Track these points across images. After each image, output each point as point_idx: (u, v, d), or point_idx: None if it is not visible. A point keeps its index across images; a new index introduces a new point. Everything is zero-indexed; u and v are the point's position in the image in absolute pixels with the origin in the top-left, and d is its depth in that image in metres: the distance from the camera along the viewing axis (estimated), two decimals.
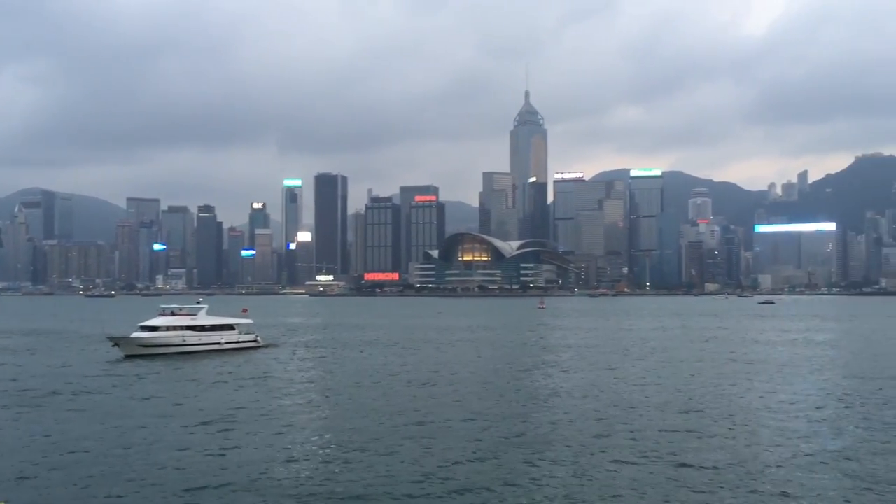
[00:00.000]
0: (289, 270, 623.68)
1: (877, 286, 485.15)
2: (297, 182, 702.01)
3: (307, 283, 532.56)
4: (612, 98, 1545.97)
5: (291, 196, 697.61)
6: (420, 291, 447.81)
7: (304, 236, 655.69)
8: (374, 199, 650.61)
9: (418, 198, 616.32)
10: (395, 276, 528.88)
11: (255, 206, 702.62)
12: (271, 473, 24.21)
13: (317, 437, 29.76)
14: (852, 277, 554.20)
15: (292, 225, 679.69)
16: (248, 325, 71.83)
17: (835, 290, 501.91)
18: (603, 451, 26.47)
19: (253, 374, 49.87)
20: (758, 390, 41.56)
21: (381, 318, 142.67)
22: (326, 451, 27.31)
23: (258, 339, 71.16)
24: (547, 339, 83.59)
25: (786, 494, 21.40)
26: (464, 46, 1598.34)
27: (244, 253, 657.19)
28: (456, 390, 41.94)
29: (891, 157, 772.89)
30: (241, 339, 68.40)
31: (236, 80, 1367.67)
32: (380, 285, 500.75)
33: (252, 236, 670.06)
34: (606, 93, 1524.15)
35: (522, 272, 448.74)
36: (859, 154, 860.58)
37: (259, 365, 56.05)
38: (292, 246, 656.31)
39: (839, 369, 52.15)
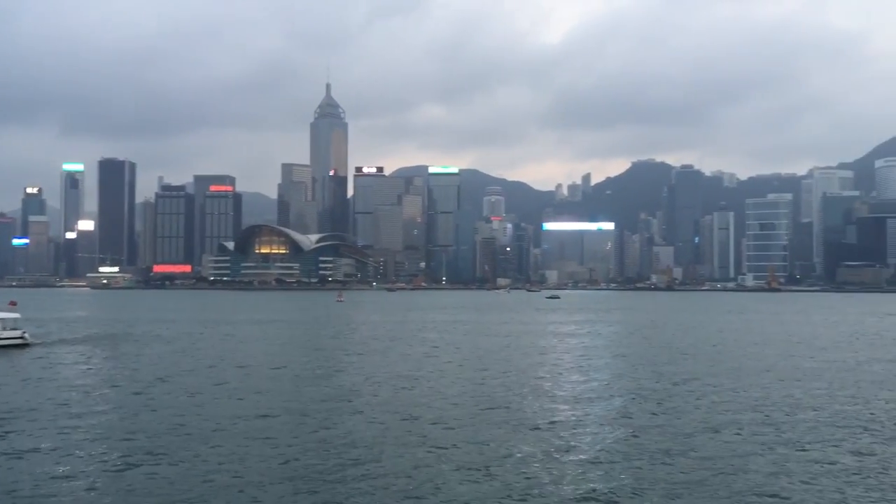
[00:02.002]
0: (68, 261, 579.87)
1: (648, 282, 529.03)
2: (78, 167, 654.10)
3: (89, 274, 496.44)
4: (416, 96, 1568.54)
5: (72, 181, 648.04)
6: (214, 284, 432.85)
7: (87, 225, 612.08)
8: (166, 188, 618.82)
9: (213, 187, 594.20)
10: (188, 268, 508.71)
11: (30, 190, 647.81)
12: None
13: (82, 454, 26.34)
14: (628, 273, 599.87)
15: (72, 212, 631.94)
16: (13, 319, 64.44)
17: (612, 285, 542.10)
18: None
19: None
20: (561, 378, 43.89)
21: (160, 312, 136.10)
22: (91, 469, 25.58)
23: (25, 335, 64.26)
24: (344, 335, 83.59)
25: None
26: (270, 34, 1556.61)
27: (16, 241, 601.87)
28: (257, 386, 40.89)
29: (662, 162, 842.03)
30: (1, 336, 61.15)
31: (15, 54, 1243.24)
32: (170, 278, 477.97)
33: (25, 224, 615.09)
34: (411, 90, 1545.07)
35: (321, 266, 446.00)
36: (635, 159, 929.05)
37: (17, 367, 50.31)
38: (72, 235, 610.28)
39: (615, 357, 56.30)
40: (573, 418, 30.93)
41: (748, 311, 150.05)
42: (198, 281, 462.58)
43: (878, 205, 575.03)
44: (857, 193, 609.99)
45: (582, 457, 24.53)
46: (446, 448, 25.56)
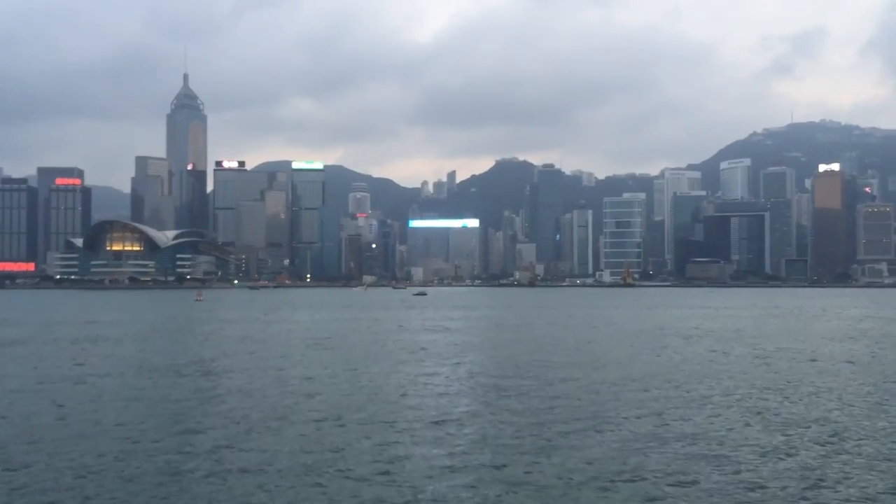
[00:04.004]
0: None
1: (511, 278, 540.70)
2: None
3: None
4: (284, 89, 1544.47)
5: None
6: (61, 283, 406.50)
7: None
8: (6, 180, 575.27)
9: (59, 180, 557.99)
10: (31, 266, 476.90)
11: None
12: None
13: None
14: (492, 270, 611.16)
15: None
16: None
17: (477, 281, 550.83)
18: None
19: None
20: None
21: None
22: None
23: None
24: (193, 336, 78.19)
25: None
26: (130, 20, 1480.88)
27: None
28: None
29: (525, 161, 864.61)
30: None
31: None
32: (10, 276, 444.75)
33: None
34: (280, 84, 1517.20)
35: (179, 263, 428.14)
36: (499, 158, 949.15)
37: None
38: None
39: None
40: (462, 413, 28.55)
41: (605, 307, 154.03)
42: (42, 280, 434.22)
43: (722, 204, 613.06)
44: (703, 193, 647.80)
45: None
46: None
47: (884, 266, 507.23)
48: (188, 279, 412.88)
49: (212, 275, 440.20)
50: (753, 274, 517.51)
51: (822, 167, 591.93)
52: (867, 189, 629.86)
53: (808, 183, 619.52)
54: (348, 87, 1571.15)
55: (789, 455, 22.40)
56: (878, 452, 22.65)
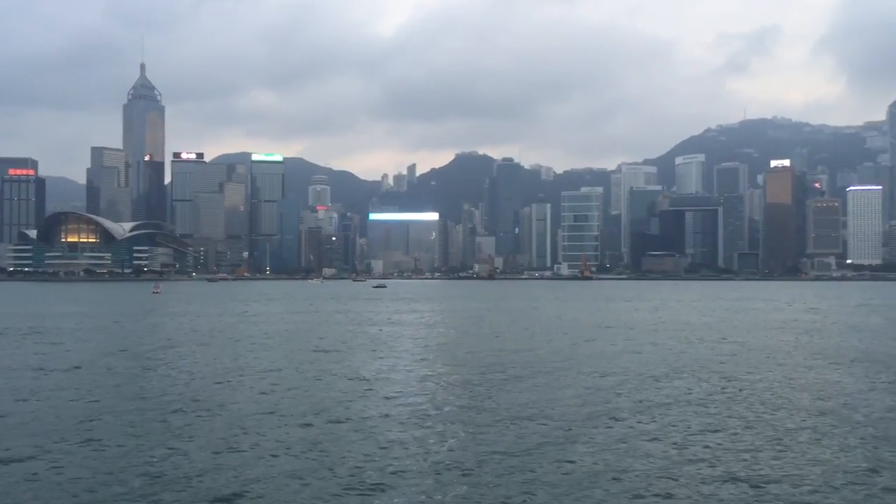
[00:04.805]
0: None
1: (471, 271, 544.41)
2: None
3: None
4: (246, 81, 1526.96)
5: None
6: (13, 276, 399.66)
7: None
8: None
9: (12, 171, 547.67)
10: None
11: None
12: None
13: None
14: (451, 263, 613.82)
15: None
16: None
17: (437, 274, 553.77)
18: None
19: None
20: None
21: None
22: None
23: None
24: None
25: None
26: (88, 9, 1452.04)
27: None
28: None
29: (485, 155, 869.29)
30: None
31: None
32: None
33: None
34: (241, 75, 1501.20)
35: (136, 255, 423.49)
36: (460, 151, 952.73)
37: None
38: None
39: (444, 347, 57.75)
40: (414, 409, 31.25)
41: (564, 299, 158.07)
42: None
43: (677, 199, 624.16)
44: (659, 188, 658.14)
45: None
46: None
47: (832, 260, 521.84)
48: (145, 271, 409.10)
49: (169, 267, 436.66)
50: (707, 267, 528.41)
51: (773, 163, 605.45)
52: (817, 185, 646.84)
53: (760, 178, 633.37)
54: (310, 79, 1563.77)
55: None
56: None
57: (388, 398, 30.87)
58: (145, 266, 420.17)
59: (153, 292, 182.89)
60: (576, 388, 33.20)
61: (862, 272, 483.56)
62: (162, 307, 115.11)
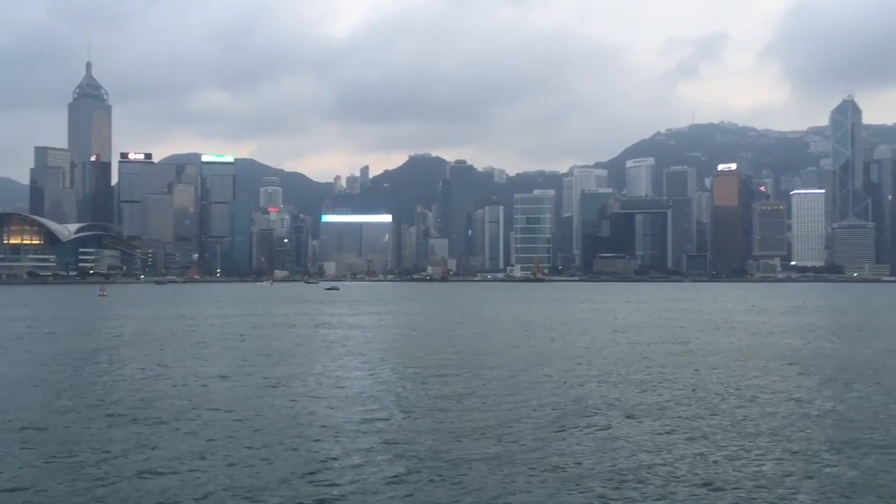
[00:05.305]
0: None
1: (424, 273, 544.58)
2: None
3: None
4: (197, 80, 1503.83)
5: None
6: None
7: None
8: None
9: None
10: None
11: None
12: None
13: None
14: (405, 265, 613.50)
15: None
16: None
17: (390, 276, 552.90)
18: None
19: None
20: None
21: None
22: None
23: None
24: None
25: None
26: (33, 6, 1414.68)
27: None
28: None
29: (438, 157, 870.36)
30: None
31: None
32: None
33: None
34: (191, 75, 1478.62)
35: (81, 258, 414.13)
36: (413, 154, 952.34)
37: None
38: None
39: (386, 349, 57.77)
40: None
41: (516, 301, 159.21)
42: None
43: (627, 201, 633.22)
44: (610, 191, 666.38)
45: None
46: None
47: (777, 261, 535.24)
48: (91, 274, 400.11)
49: (116, 270, 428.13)
50: (656, 269, 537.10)
51: (720, 167, 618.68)
52: (762, 188, 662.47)
53: (707, 182, 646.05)
54: (262, 80, 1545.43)
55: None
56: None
57: (343, 405, 30.74)
58: (91, 269, 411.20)
59: (99, 295, 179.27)
60: (519, 390, 33.53)
61: (805, 273, 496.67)
62: (107, 311, 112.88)
